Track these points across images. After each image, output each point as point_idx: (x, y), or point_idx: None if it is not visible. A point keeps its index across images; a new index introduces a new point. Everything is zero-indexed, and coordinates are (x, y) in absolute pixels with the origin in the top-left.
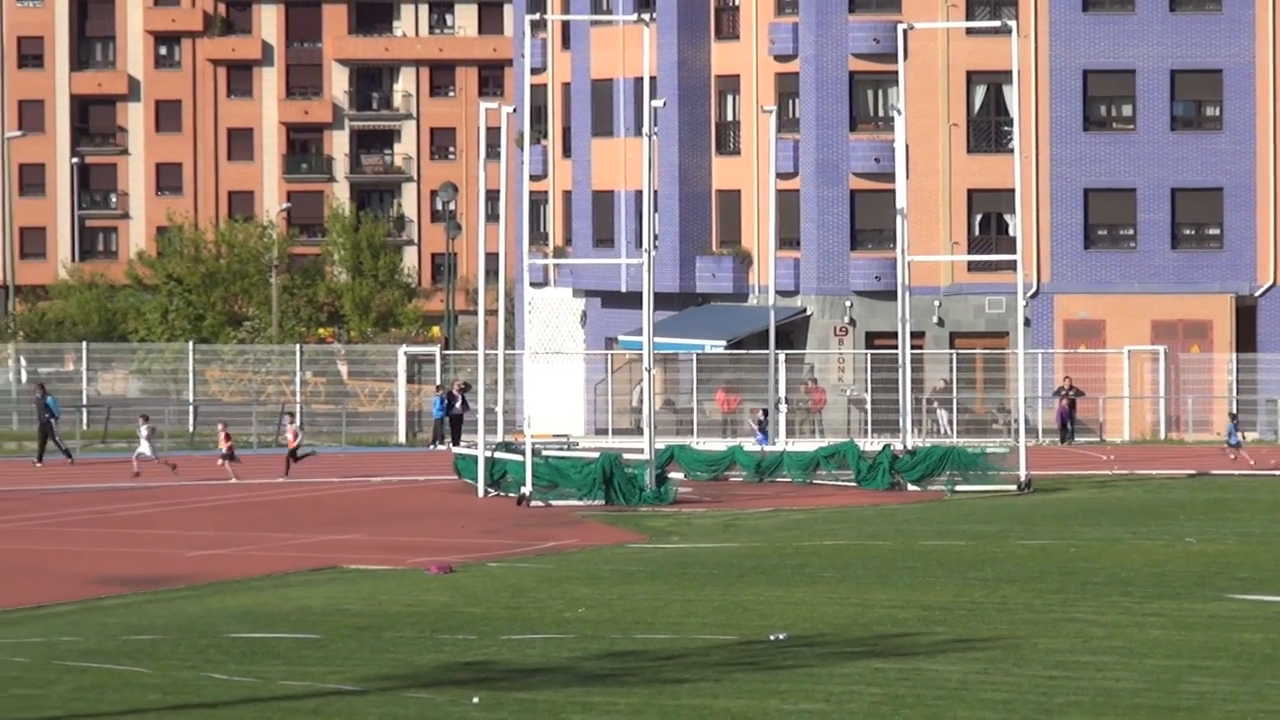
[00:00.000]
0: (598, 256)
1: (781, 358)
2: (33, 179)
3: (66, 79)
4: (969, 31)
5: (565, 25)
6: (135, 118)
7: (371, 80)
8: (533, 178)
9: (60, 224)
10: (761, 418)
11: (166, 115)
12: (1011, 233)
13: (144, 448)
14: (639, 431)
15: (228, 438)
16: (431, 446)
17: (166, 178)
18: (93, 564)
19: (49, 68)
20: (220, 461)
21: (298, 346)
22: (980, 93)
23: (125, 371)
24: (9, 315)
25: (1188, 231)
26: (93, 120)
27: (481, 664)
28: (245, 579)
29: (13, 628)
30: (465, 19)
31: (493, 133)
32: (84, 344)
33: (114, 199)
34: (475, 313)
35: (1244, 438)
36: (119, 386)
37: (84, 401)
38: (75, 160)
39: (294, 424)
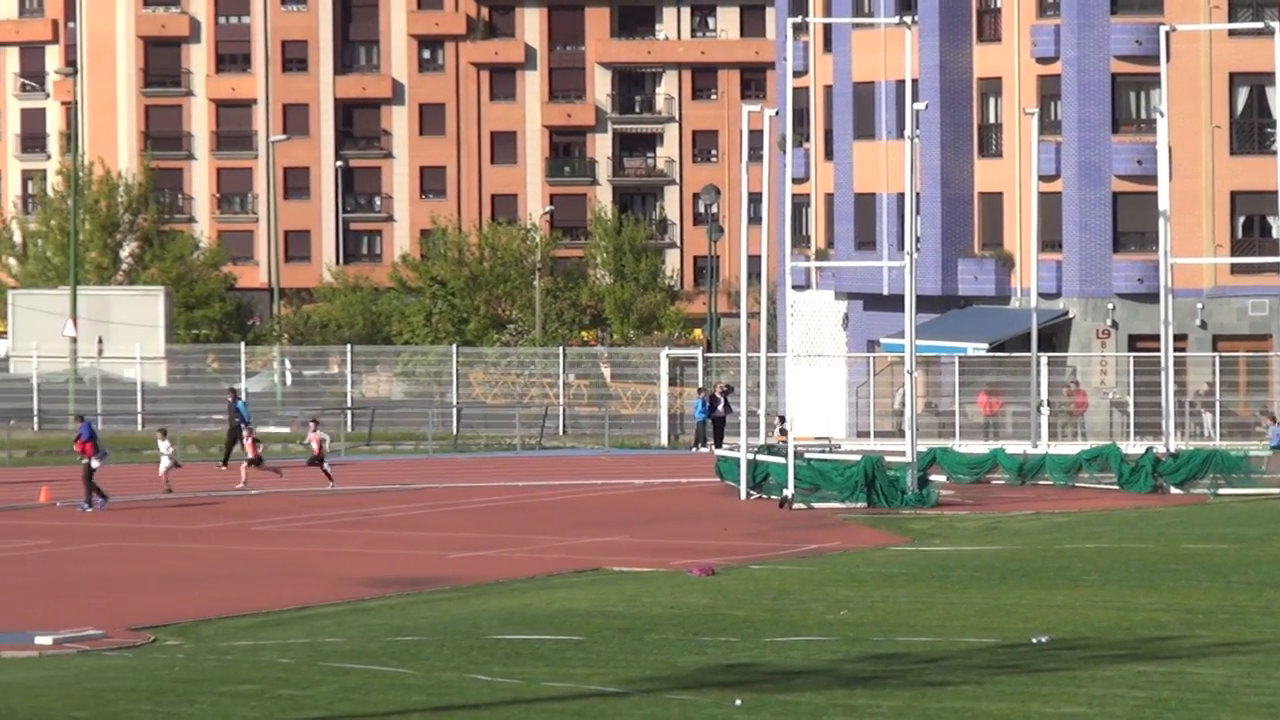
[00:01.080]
0: (859, 259)
1: (1044, 360)
2: (297, 182)
3: (330, 83)
4: (1231, 33)
5: (827, 28)
6: (399, 121)
7: (634, 83)
8: (795, 180)
9: (325, 227)
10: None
11: (430, 119)
12: (1275, 235)
13: (166, 463)
14: (900, 434)
15: (255, 443)
16: (694, 449)
17: (430, 181)
18: (357, 565)
19: (313, 71)
20: (244, 466)
21: (561, 349)
22: (1243, 94)
23: (389, 374)
24: (274, 318)
25: None
26: (357, 124)
27: (743, 666)
28: (509, 581)
29: (278, 629)
30: (727, 22)
31: (755, 135)
32: (348, 347)
33: (378, 202)
34: (737, 315)
35: None
36: (383, 389)
37: (348, 404)
38: (339, 164)
39: (318, 430)
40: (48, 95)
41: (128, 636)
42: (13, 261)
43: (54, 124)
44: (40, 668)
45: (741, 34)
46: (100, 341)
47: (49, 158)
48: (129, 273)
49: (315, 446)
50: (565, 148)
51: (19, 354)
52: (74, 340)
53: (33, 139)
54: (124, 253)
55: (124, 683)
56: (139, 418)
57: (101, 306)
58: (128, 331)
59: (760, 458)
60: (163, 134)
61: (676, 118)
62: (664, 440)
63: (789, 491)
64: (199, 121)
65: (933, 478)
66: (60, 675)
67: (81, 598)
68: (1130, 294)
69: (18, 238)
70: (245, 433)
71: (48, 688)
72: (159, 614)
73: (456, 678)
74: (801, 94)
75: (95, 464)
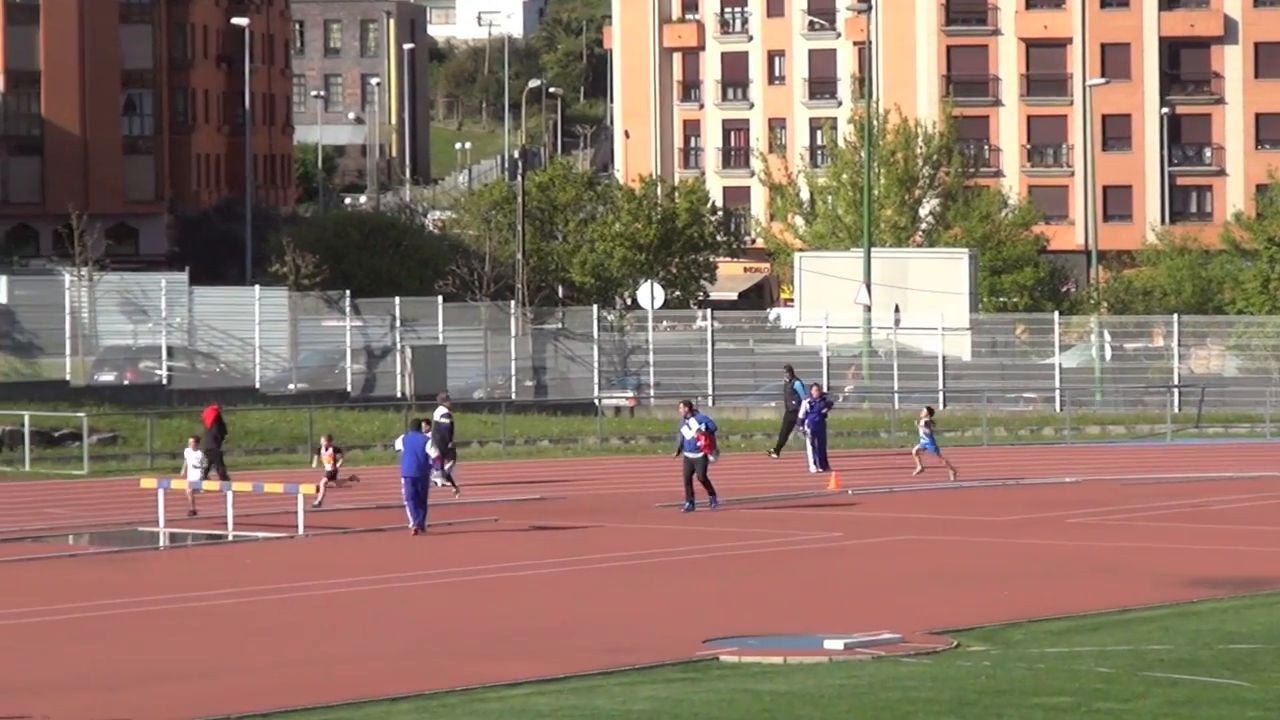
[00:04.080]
0: None
1: None
2: (1117, 132)
3: (1155, 19)
4: None
5: None
6: (1231, 62)
7: None
8: None
9: (1148, 182)
10: None
11: (1266, 59)
12: None
13: (192, 475)
14: None
15: (335, 451)
16: None
17: (1267, 129)
18: (1183, 563)
19: (1135, 7)
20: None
21: None
22: None
23: (1220, 348)
24: (1091, 284)
25: None
26: (1184, 65)
27: None
28: None
29: (1095, 634)
30: None
31: None
32: (1174, 317)
33: (1207, 154)
34: None
35: None
36: (1213, 364)
37: (1175, 381)
38: (1164, 111)
39: (331, 446)
40: (838, 34)
41: (927, 641)
42: (800, 220)
43: (845, 67)
44: (830, 675)
45: None
46: (897, 310)
47: (839, 104)
48: (928, 233)
49: (329, 462)
50: None
51: (807, 324)
52: (867, 309)
53: (822, 83)
54: (923, 210)
55: (922, 693)
56: (940, 395)
57: (898, 271)
58: (927, 299)
59: None
60: (966, 78)
61: None
62: None
63: None
64: (1006, 64)
65: None
66: (852, 684)
67: (875, 597)
68: None
69: (805, 193)
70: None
71: (838, 697)
72: (961, 616)
73: None
74: None
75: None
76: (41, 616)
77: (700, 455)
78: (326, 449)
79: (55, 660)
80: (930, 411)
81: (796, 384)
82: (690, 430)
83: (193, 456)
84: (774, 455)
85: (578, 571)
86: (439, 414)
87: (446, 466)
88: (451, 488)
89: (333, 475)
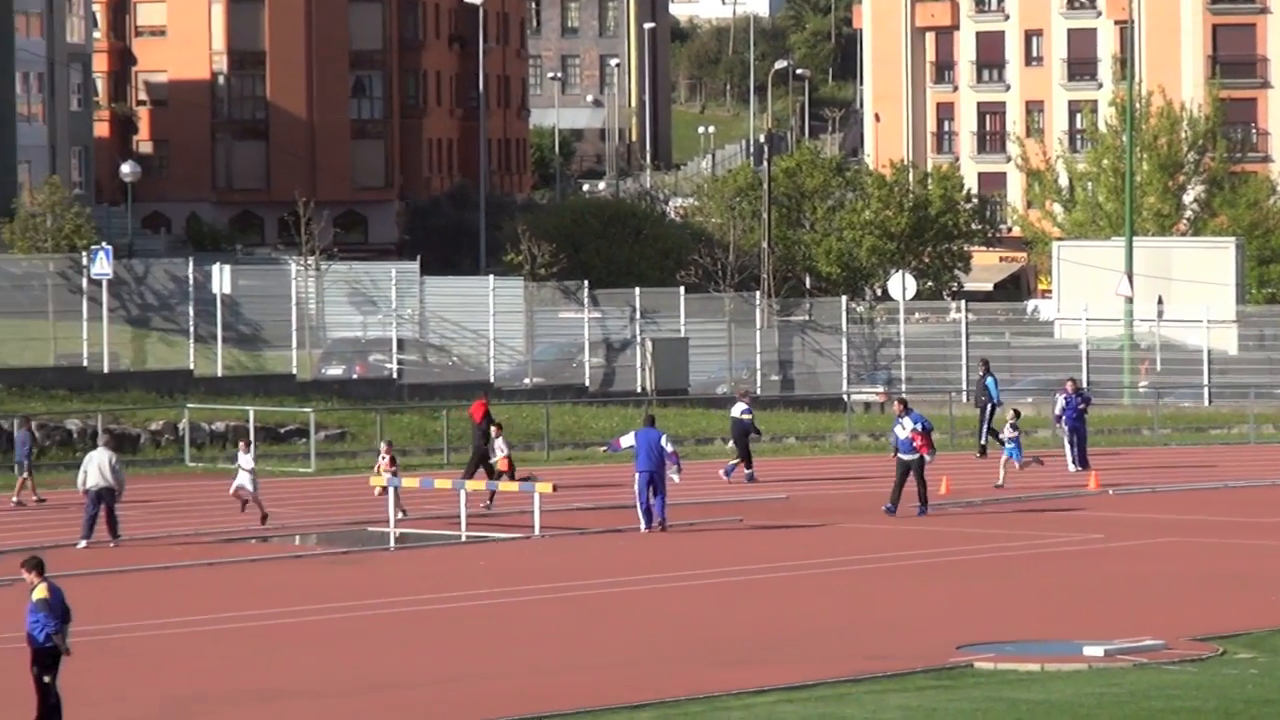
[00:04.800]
0: None
1: None
2: None
3: None
4: None
5: None
6: None
7: None
8: None
9: None
10: None
11: None
12: None
13: (243, 478)
14: None
15: (393, 459)
16: None
17: None
18: None
19: None
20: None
21: None
22: None
23: None
24: None
25: None
26: None
27: None
28: None
29: None
30: None
31: None
32: None
33: None
34: None
35: None
36: None
37: None
38: None
39: (390, 454)
40: (1099, 13)
41: (1191, 648)
42: (1058, 208)
43: (1106, 47)
44: (1089, 683)
45: None
46: (1160, 302)
47: (1100, 86)
48: (1193, 221)
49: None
50: None
51: (1066, 316)
52: (1129, 300)
53: (1081, 64)
54: (1187, 198)
55: (1186, 702)
56: (1205, 391)
57: (1161, 261)
58: (1192, 290)
59: None
60: (1232, 58)
61: None
62: None
63: None
64: (1276, 43)
65: None
66: (1112, 692)
67: (1136, 601)
68: None
69: (1064, 179)
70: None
71: (1097, 706)
72: (1226, 622)
73: None
74: None
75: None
76: (268, 620)
77: (916, 456)
78: (385, 455)
79: (281, 666)
80: (1017, 414)
81: (989, 380)
82: (905, 430)
83: (245, 460)
84: (979, 456)
85: (825, 574)
86: (739, 410)
87: (736, 465)
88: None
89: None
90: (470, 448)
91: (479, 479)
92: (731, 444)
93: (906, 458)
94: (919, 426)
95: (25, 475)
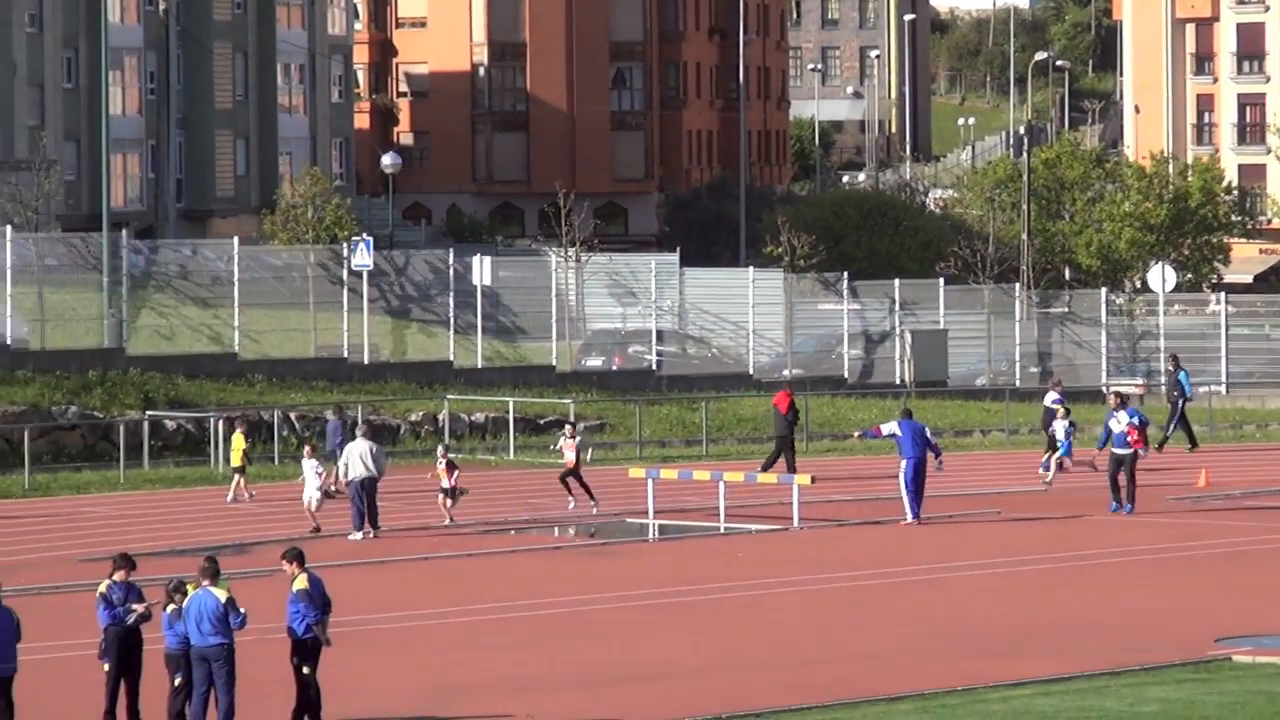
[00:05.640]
0: None
1: None
2: None
3: None
4: None
5: None
6: None
7: None
8: None
9: None
10: None
11: None
12: None
13: (311, 490)
14: None
15: (450, 466)
16: None
17: None
18: None
19: None
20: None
21: None
22: None
23: None
24: None
25: None
26: None
27: None
28: None
29: None
30: None
31: None
32: None
33: None
34: None
35: None
36: None
37: None
38: None
39: (446, 459)
40: (1267, 8)
41: None
42: None
43: (1277, 41)
44: None
45: None
46: None
47: (1268, 80)
48: None
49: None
50: None
51: None
52: None
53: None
54: None
55: None
56: None
57: None
58: None
59: None
60: None
61: None
62: None
63: None
64: None
65: None
66: None
67: None
68: None
69: None
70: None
71: None
72: None
73: None
74: None
75: None
76: (528, 611)
77: (1130, 451)
78: (441, 460)
79: (541, 656)
80: (1068, 412)
81: (1181, 374)
82: (1120, 424)
83: (310, 465)
84: (1190, 449)
85: (1083, 566)
86: (1050, 399)
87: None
88: (1051, 474)
89: (450, 492)
90: (773, 438)
91: (777, 470)
92: (1052, 433)
93: (1121, 452)
94: (1135, 420)
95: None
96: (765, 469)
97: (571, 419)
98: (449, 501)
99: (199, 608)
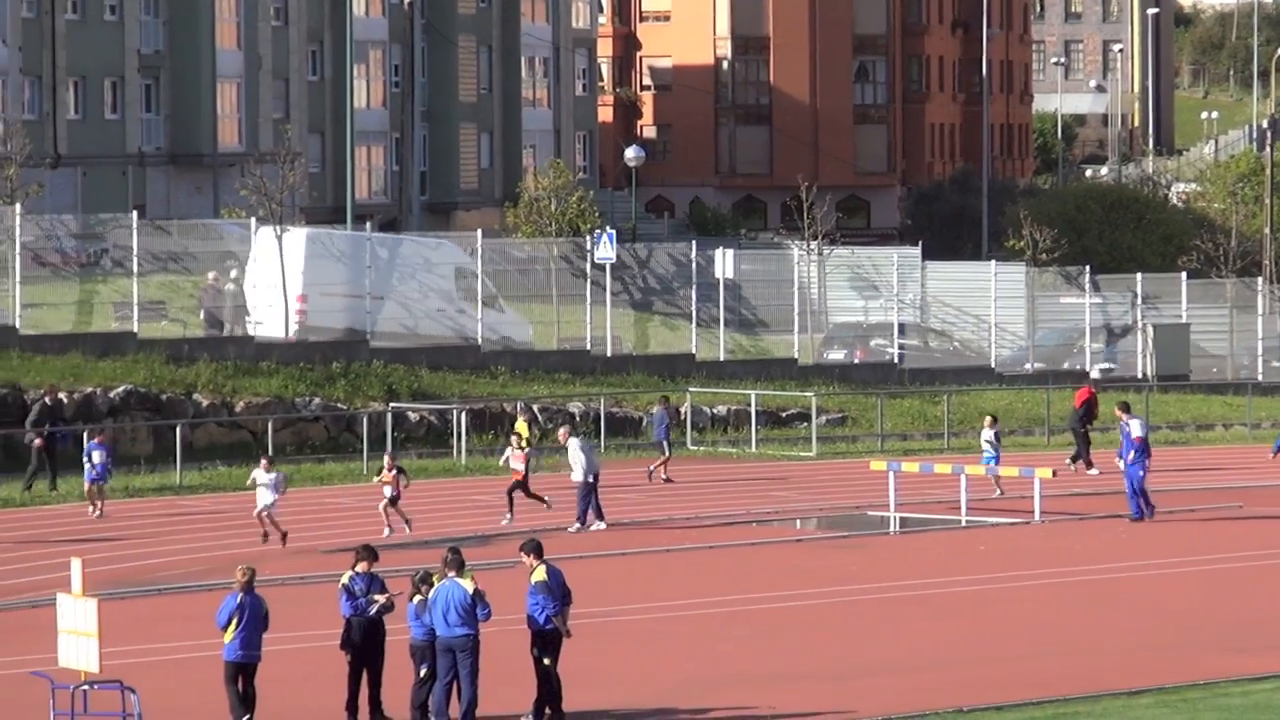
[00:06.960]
0: None
1: None
2: None
3: None
4: None
5: None
6: None
7: None
8: None
9: None
10: None
11: None
12: None
13: (265, 497)
14: None
15: (399, 472)
16: None
17: None
18: None
19: None
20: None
21: None
22: None
23: None
24: None
25: None
26: None
27: None
28: None
29: None
30: None
31: None
32: None
33: None
34: None
35: None
36: None
37: None
38: None
39: (395, 467)
40: None
41: None
42: None
43: None
44: None
45: None
46: None
47: None
48: None
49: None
50: None
51: None
52: None
53: None
54: None
55: None
56: None
57: None
58: None
59: None
60: None
61: None
62: None
63: None
64: None
65: None
66: None
67: None
68: None
69: None
70: None
71: None
72: None
73: None
74: None
75: None
76: (769, 603)
77: None
78: (389, 470)
79: (782, 649)
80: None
81: None
82: None
83: (263, 476)
84: None
85: None
86: None
87: None
88: None
89: (394, 500)
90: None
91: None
92: None
93: None
94: None
95: (665, 455)
96: (1072, 461)
97: (518, 430)
98: (391, 509)
99: (446, 599)
